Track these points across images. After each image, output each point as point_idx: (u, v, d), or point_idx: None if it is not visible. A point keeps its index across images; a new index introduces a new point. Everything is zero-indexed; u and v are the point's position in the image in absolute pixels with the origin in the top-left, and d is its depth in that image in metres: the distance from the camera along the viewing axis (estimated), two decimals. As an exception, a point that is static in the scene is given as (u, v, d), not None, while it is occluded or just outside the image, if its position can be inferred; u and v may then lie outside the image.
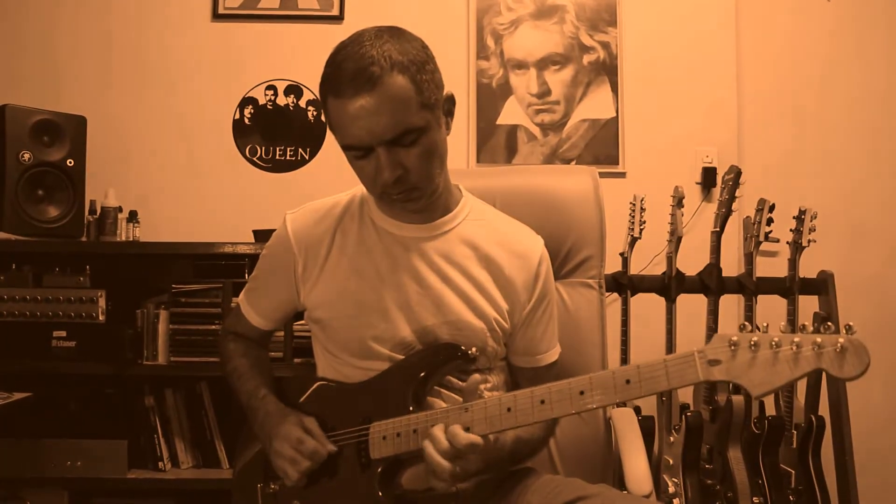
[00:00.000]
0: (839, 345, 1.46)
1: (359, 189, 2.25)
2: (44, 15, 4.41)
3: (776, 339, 1.53)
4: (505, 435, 1.98)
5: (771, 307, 3.81)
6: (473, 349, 2.07)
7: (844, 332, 1.48)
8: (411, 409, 1.98)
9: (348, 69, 1.90)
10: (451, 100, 2.09)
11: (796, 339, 1.50)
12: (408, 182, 1.99)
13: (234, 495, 2.33)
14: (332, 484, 2.06)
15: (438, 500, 1.99)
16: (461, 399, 2.00)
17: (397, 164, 1.95)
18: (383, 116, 1.89)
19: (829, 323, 1.50)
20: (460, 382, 2.13)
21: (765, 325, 1.56)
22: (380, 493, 1.97)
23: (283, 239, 2.26)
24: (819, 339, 1.48)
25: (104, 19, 4.44)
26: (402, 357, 2.12)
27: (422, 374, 2.04)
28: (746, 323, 1.59)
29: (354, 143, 1.96)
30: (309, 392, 2.22)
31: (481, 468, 1.90)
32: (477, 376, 1.97)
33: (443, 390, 2.11)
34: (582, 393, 1.74)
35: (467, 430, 1.84)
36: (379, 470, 1.99)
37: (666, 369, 1.65)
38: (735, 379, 1.57)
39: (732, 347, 1.57)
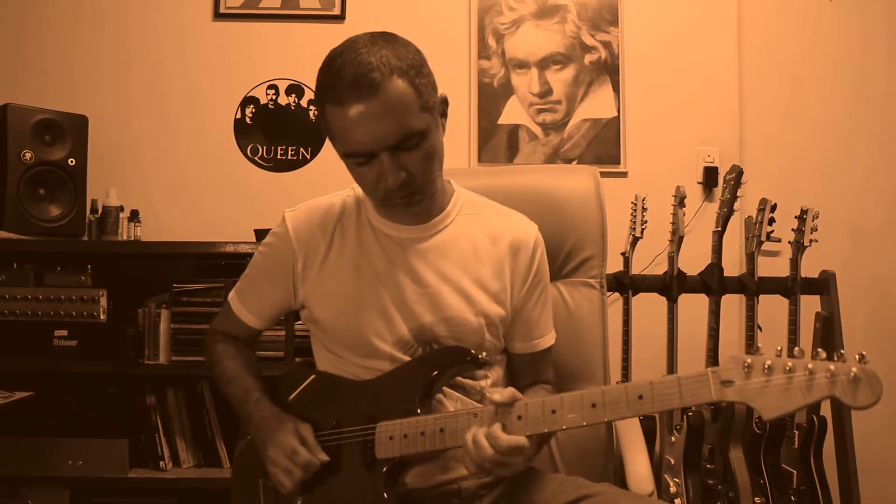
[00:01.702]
0: (852, 374, 1.46)
1: (354, 188, 2.26)
2: (45, 15, 4.40)
3: (790, 364, 1.52)
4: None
5: (773, 307, 3.81)
6: (483, 354, 2.07)
7: (857, 360, 1.48)
8: (419, 410, 1.98)
9: (348, 76, 1.90)
10: (444, 101, 2.11)
11: (810, 366, 1.50)
12: (412, 185, 2.00)
13: (234, 490, 2.33)
14: (336, 482, 2.06)
15: (442, 498, 2.00)
16: (467, 401, 2.02)
17: (401, 168, 1.96)
18: (386, 121, 1.90)
19: (842, 351, 1.49)
20: (462, 380, 2.15)
21: (778, 348, 1.56)
22: (385, 494, 1.97)
23: (282, 237, 2.26)
24: (832, 367, 1.48)
25: (106, 19, 4.44)
26: (403, 355, 2.13)
27: (430, 377, 2.04)
28: (760, 346, 1.58)
29: (357, 150, 1.97)
30: (304, 385, 2.23)
31: (524, 467, 1.89)
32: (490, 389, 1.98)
33: (449, 391, 2.11)
34: (594, 405, 1.75)
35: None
36: (384, 470, 1.99)
37: (679, 387, 1.65)
38: (748, 401, 1.57)
39: (746, 369, 1.57)
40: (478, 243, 2.20)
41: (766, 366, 1.54)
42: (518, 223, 2.29)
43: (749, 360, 1.57)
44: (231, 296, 2.43)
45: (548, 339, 2.31)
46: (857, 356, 1.48)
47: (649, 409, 1.69)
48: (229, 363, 2.38)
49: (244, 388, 2.29)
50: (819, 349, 1.52)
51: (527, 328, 2.27)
